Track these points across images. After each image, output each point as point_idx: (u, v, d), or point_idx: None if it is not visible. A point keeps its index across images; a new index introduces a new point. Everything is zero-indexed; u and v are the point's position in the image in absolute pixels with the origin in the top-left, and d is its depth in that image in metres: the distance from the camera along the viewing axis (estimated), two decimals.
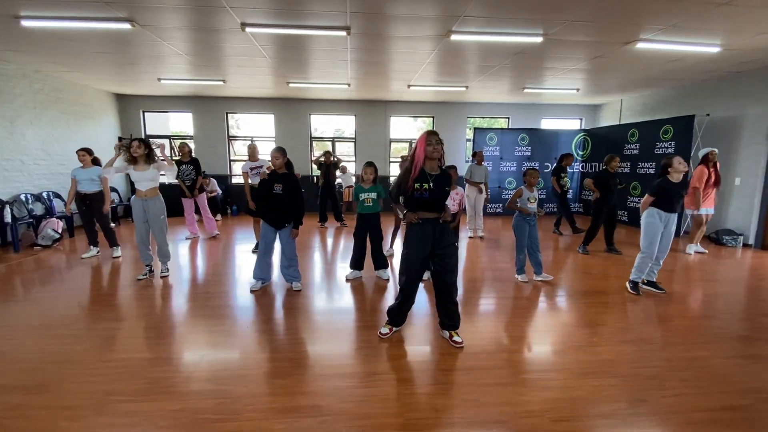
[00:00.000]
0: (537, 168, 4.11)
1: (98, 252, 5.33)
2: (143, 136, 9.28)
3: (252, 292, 3.90)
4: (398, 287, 2.94)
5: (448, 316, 2.88)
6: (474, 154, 6.78)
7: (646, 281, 4.06)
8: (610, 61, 5.74)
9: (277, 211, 3.77)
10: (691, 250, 5.76)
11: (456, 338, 2.85)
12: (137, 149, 4.09)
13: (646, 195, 3.86)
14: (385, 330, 2.96)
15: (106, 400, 2.18)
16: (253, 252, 5.57)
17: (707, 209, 5.66)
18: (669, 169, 3.79)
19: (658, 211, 3.81)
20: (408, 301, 2.89)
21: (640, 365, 2.61)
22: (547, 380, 2.43)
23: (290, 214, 3.80)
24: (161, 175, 4.32)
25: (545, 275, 4.27)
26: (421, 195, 2.66)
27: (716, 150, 5.54)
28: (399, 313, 2.95)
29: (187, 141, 6.30)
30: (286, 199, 3.73)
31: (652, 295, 3.94)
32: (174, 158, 5.88)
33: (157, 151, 4.30)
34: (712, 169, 5.51)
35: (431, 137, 2.66)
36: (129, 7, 3.92)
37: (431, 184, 2.66)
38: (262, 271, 3.97)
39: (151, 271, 4.39)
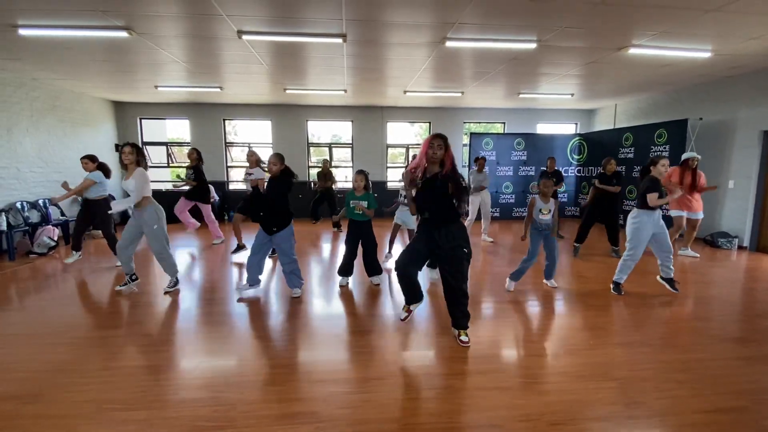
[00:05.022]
0: (550, 177, 4.03)
1: (80, 255, 5.28)
2: (140, 143, 9.30)
3: (238, 300, 3.87)
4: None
5: (453, 316, 2.94)
6: (476, 160, 6.69)
7: (662, 277, 4.09)
8: (603, 67, 5.81)
9: (265, 216, 3.79)
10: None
11: (462, 338, 2.91)
12: (128, 155, 3.80)
13: (655, 195, 3.75)
14: (404, 314, 3.05)
15: (101, 408, 2.17)
16: (233, 253, 5.60)
17: (678, 212, 5.59)
18: (652, 168, 3.91)
19: (646, 212, 3.86)
20: (407, 271, 2.87)
21: (635, 368, 2.62)
22: (544, 384, 2.44)
23: (275, 219, 3.79)
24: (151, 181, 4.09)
25: (552, 282, 4.23)
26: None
27: (698, 156, 5.48)
28: (410, 285, 2.93)
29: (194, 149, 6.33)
30: (270, 203, 3.76)
31: (647, 298, 3.96)
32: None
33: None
34: (688, 173, 5.45)
35: (434, 141, 2.69)
36: (126, 16, 3.95)
37: (420, 184, 2.73)
38: (251, 274, 3.95)
39: (132, 279, 4.11)
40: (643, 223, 3.87)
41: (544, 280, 4.30)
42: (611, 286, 4.10)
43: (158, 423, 2.05)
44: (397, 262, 2.90)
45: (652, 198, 3.76)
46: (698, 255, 5.73)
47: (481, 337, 3.05)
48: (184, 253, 6.00)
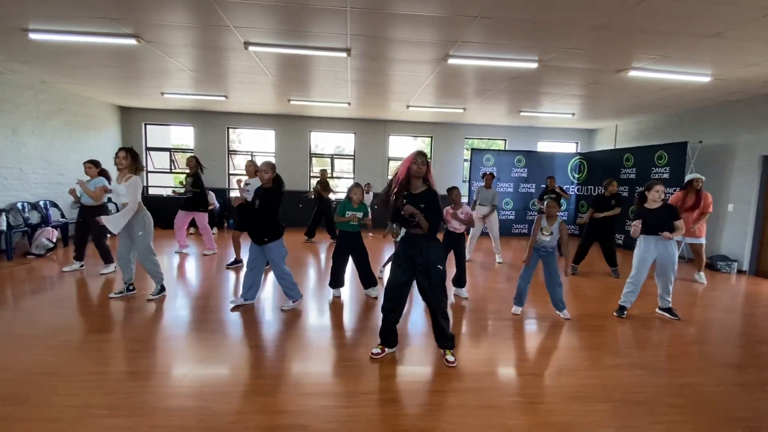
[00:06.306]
0: (554, 197, 3.85)
1: (81, 266, 5.12)
2: (144, 148, 9.37)
3: (232, 310, 3.83)
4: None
5: (437, 335, 2.90)
6: (483, 176, 6.55)
7: (660, 308, 4.06)
8: (604, 88, 5.88)
9: (256, 226, 3.74)
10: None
11: (449, 357, 2.85)
12: (122, 160, 3.77)
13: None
14: (376, 350, 2.91)
15: (87, 413, 2.14)
16: (227, 268, 5.43)
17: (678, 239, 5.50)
18: (647, 193, 3.90)
19: (646, 237, 3.90)
20: (388, 316, 2.86)
21: (630, 391, 2.59)
22: (537, 404, 2.40)
23: (266, 230, 3.73)
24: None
25: (565, 313, 3.91)
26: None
27: (702, 177, 5.43)
28: (386, 332, 2.92)
29: (193, 156, 6.30)
30: (262, 213, 3.69)
31: (645, 320, 3.93)
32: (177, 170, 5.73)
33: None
34: (691, 195, 5.38)
35: (417, 157, 2.69)
36: (135, 24, 4.03)
37: (404, 201, 2.70)
38: (245, 289, 3.92)
39: (129, 289, 4.11)
40: (646, 249, 3.90)
41: (557, 311, 3.97)
42: (617, 309, 4.03)
43: (145, 431, 2.02)
44: (385, 305, 2.85)
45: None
46: (705, 282, 5.58)
47: (476, 355, 3.03)
48: (179, 259, 5.99)
